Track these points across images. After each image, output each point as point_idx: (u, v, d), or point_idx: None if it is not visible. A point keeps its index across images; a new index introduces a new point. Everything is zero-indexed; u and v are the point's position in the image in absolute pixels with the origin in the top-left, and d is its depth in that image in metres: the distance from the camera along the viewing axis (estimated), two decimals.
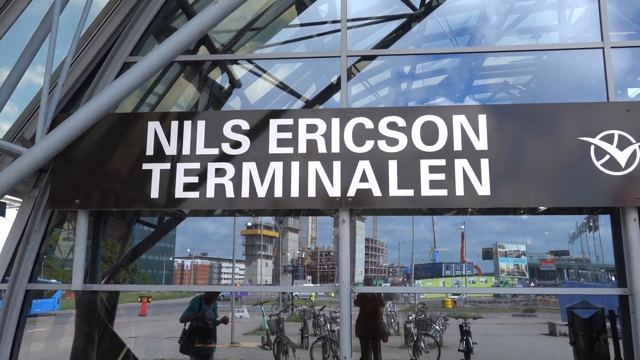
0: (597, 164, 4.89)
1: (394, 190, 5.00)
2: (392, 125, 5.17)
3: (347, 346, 5.02)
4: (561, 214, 6.93)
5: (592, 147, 4.92)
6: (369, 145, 5.12)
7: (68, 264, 6.27)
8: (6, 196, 6.07)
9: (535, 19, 8.33)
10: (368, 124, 5.19)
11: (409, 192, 4.99)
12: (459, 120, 5.15)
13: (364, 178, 5.04)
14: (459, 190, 4.97)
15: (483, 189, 4.95)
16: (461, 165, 5.02)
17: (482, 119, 5.13)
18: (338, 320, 11.59)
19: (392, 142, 5.13)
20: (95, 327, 6.23)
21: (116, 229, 6.98)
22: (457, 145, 5.08)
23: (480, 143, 5.07)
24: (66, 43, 5.19)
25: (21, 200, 6.10)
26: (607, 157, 4.87)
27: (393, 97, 10.39)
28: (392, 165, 5.05)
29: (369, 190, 5.03)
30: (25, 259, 5.60)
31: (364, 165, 5.06)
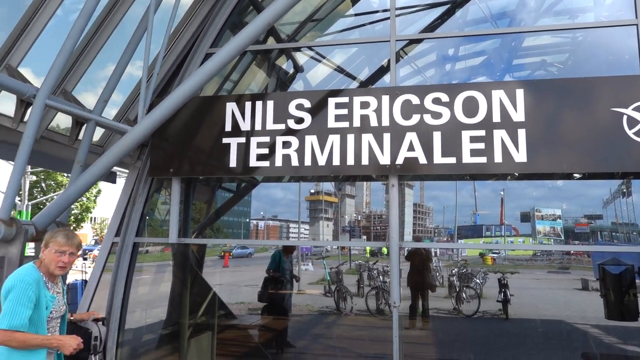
0: (630, 132, 4.59)
1: (438, 158, 4.92)
2: (436, 101, 5.06)
3: (397, 294, 5.07)
4: (595, 179, 6.58)
5: (625, 117, 4.62)
6: (415, 118, 5.04)
7: (165, 224, 6.62)
8: (116, 167, 6.48)
9: (572, 0, 7.79)
10: (415, 100, 5.10)
11: (452, 160, 4.89)
12: (498, 95, 4.96)
13: (411, 148, 4.99)
14: (497, 158, 4.83)
15: (520, 156, 4.78)
16: (499, 135, 4.86)
17: (520, 93, 4.92)
18: (389, 273, 11.68)
19: (437, 115, 5.02)
20: (188, 274, 6.59)
21: (203, 194, 7.29)
22: (496, 118, 4.90)
23: (518, 115, 4.87)
24: (159, 40, 5.39)
25: (128, 170, 6.49)
26: (639, 126, 4.57)
27: (438, 77, 10.09)
28: (436, 136, 4.96)
29: (416, 159, 4.97)
30: (132, 218, 5.99)
31: (411, 137, 5.00)
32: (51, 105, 4.44)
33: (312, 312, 10.10)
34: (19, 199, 21.80)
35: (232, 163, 5.46)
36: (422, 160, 4.94)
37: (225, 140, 5.50)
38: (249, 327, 6.96)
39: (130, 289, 6.01)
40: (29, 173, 23.74)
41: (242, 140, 5.45)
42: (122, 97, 6.22)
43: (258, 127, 5.42)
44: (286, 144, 5.30)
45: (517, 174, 5.42)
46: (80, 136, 5.25)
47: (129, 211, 5.99)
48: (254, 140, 5.41)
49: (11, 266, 4.05)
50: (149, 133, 4.53)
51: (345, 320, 9.42)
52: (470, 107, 4.96)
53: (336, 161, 5.14)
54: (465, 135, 4.91)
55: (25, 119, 4.64)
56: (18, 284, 2.65)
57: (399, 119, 5.06)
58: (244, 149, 5.44)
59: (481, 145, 4.87)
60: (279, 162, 5.30)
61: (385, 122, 5.08)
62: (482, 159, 4.85)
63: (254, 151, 5.39)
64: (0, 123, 4.76)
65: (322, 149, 5.19)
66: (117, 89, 5.47)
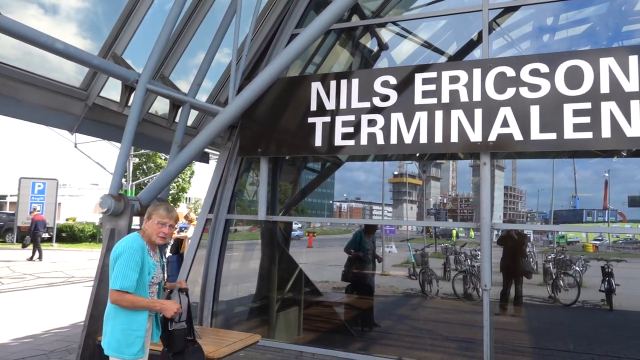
0: None
1: (535, 134, 4.58)
2: (534, 72, 4.69)
3: (488, 276, 4.85)
4: None
5: None
6: (510, 92, 4.72)
7: (254, 204, 6.89)
8: (208, 148, 6.83)
9: None
10: (509, 72, 4.77)
11: (551, 136, 4.52)
12: (607, 63, 4.48)
13: (505, 123, 4.69)
14: (605, 133, 4.38)
15: (632, 130, 4.30)
16: (608, 107, 4.40)
17: (634, 60, 4.40)
18: (478, 257, 11.20)
19: (534, 88, 4.66)
20: (276, 251, 6.82)
21: (288, 174, 7.46)
22: (604, 88, 4.44)
23: (631, 85, 4.37)
24: (247, 23, 5.54)
25: (219, 151, 6.82)
26: None
27: (534, 49, 9.35)
28: (534, 110, 4.61)
29: (510, 135, 4.67)
30: (224, 196, 6.30)
31: (505, 112, 4.69)
32: (151, 89, 4.75)
33: (396, 293, 10.03)
34: (124, 179, 23.95)
35: (317, 142, 5.50)
36: (518, 136, 4.63)
37: (310, 119, 5.55)
38: (334, 304, 7.07)
39: (223, 263, 6.34)
40: (132, 156, 25.92)
41: (327, 119, 5.47)
42: (211, 84, 6.51)
43: (343, 105, 5.40)
44: (371, 122, 5.23)
45: (624, 153, 4.91)
46: (177, 119, 5.57)
47: (221, 190, 6.30)
48: (338, 119, 5.40)
49: (120, 237, 4.42)
50: (239, 113, 4.69)
51: (431, 303, 9.23)
52: (574, 78, 4.54)
53: (423, 139, 4.98)
54: (568, 108, 4.51)
55: (129, 103, 5.02)
56: (127, 250, 2.94)
57: (492, 93, 4.77)
58: (329, 128, 5.46)
59: (586, 119, 4.45)
60: (364, 140, 5.25)
61: (477, 97, 4.81)
62: (587, 134, 4.43)
63: (338, 130, 5.39)
64: (108, 107, 5.20)
65: (408, 126, 5.05)
66: (206, 76, 5.72)
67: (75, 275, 13.42)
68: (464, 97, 4.86)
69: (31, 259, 16.65)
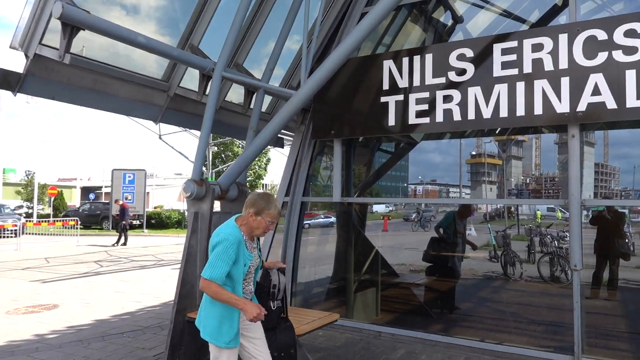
0: None
1: (631, 101, 4.17)
2: (630, 33, 4.26)
3: (578, 255, 4.55)
4: None
5: None
6: (601, 57, 4.33)
7: (328, 189, 6.96)
8: (283, 133, 6.98)
9: None
10: (601, 35, 4.37)
11: None
12: None
13: (595, 91, 4.32)
14: None
15: None
16: None
17: None
18: (565, 239, 10.51)
19: (630, 50, 4.24)
20: (352, 233, 6.85)
21: (362, 156, 7.43)
22: None
23: None
24: (316, 6, 5.54)
25: (293, 134, 6.94)
26: None
27: (629, 10, 8.48)
28: (630, 75, 4.20)
29: (602, 104, 4.30)
30: (299, 179, 6.41)
31: (596, 79, 4.32)
32: (227, 76, 4.92)
33: (476, 276, 9.70)
34: (205, 167, 25.17)
35: (391, 122, 5.42)
36: (611, 104, 4.25)
37: (383, 99, 5.47)
38: (412, 286, 7.00)
39: (300, 244, 6.49)
40: (211, 145, 27.16)
41: (400, 97, 5.36)
42: (282, 70, 6.60)
43: (416, 82, 5.26)
44: (447, 98, 5.05)
45: None
46: (252, 105, 5.73)
47: (296, 173, 6.42)
48: (412, 97, 5.28)
49: (203, 220, 4.69)
50: (311, 95, 4.72)
51: (514, 285, 8.84)
52: None
53: (503, 113, 4.73)
54: None
55: (207, 92, 5.24)
56: (223, 242, 2.99)
57: (581, 60, 4.41)
58: (402, 107, 5.35)
59: None
60: (439, 117, 5.09)
61: (563, 64, 4.47)
62: None
63: (412, 108, 5.27)
64: (188, 97, 5.47)
65: (487, 100, 4.82)
66: (278, 61, 5.80)
67: (164, 258, 14.40)
68: (548, 66, 4.53)
69: (117, 244, 17.96)
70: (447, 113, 5.04)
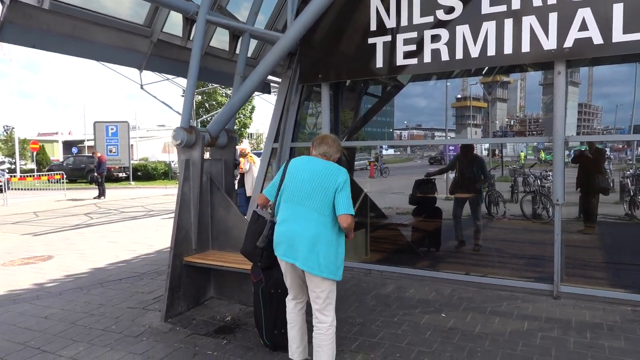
0: None
1: (618, 36, 4.19)
2: None
3: (560, 190, 4.72)
4: None
5: None
6: None
7: (311, 137, 6.97)
8: (269, 78, 6.89)
9: None
10: None
11: (636, 36, 4.13)
12: None
13: (583, 27, 4.32)
14: None
15: None
16: None
17: None
18: (548, 178, 10.79)
19: None
20: None
21: (349, 101, 7.41)
22: None
23: None
24: None
25: (280, 80, 6.86)
26: None
27: None
28: (617, 9, 4.19)
29: (589, 39, 4.31)
30: (287, 124, 6.41)
31: (584, 13, 4.31)
32: (211, 20, 4.79)
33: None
34: None
35: (379, 64, 5.38)
36: (597, 39, 4.27)
37: (370, 40, 5.40)
38: (400, 227, 7.22)
39: None
40: (195, 94, 26.63)
41: (388, 38, 5.30)
42: (265, 16, 6.39)
43: (404, 22, 5.19)
44: (435, 38, 5.01)
45: None
46: (237, 50, 5.62)
47: (284, 119, 6.40)
48: (400, 38, 5.22)
49: (195, 167, 4.73)
50: (298, 37, 4.65)
51: (498, 224, 9.15)
52: None
53: (491, 51, 4.72)
54: None
55: (192, 37, 5.12)
56: (348, 180, 3.13)
57: None
58: (390, 48, 5.30)
59: None
60: (427, 58, 5.07)
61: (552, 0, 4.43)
62: None
63: (400, 49, 5.22)
64: (172, 42, 5.34)
65: (475, 39, 4.79)
66: (262, 4, 5.63)
67: (153, 209, 14.48)
68: (537, 2, 4.49)
69: (98, 197, 17.86)
70: (435, 53, 5.02)
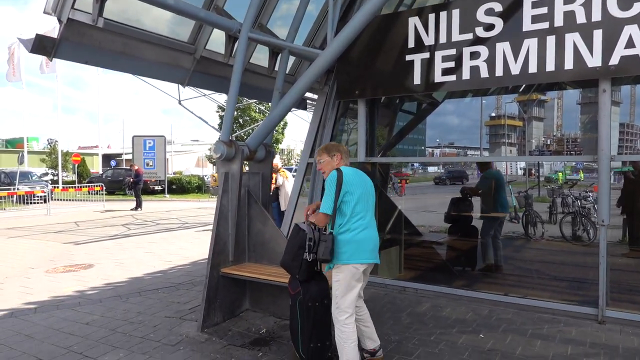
0: None
1: None
2: None
3: (606, 211, 4.57)
4: None
5: None
6: (637, 7, 4.21)
7: (352, 148, 7.00)
8: (306, 95, 6.99)
9: None
10: None
11: None
12: None
13: (629, 44, 4.22)
14: None
15: None
16: None
17: None
18: (589, 199, 10.45)
19: None
20: (375, 192, 6.92)
21: (384, 117, 7.42)
22: None
23: None
24: None
25: (316, 96, 6.95)
26: None
27: None
28: None
29: (635, 57, 4.21)
30: (323, 139, 6.47)
31: (630, 30, 4.22)
32: (253, 37, 4.93)
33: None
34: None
35: (416, 80, 5.39)
36: None
37: (408, 57, 5.43)
38: (435, 245, 7.11)
39: None
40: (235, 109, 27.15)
41: (426, 55, 5.31)
42: (303, 32, 6.50)
43: (442, 39, 5.19)
44: (474, 55, 4.99)
45: None
46: (276, 67, 5.74)
47: (320, 134, 6.47)
48: (438, 55, 5.22)
49: (234, 180, 4.82)
50: (338, 54, 4.72)
51: (536, 245, 8.90)
52: None
53: (532, 68, 4.67)
54: None
55: (233, 53, 5.26)
56: None
57: (615, 11, 4.29)
58: (427, 65, 5.31)
59: None
60: (465, 74, 5.05)
61: (597, 16, 4.37)
62: None
63: (438, 66, 5.22)
64: (214, 59, 5.51)
65: (515, 56, 4.75)
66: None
67: (187, 221, 14.76)
68: (580, 19, 4.43)
69: (135, 209, 18.32)
70: (474, 70, 5.00)
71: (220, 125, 29.29)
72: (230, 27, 4.84)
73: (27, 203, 19.42)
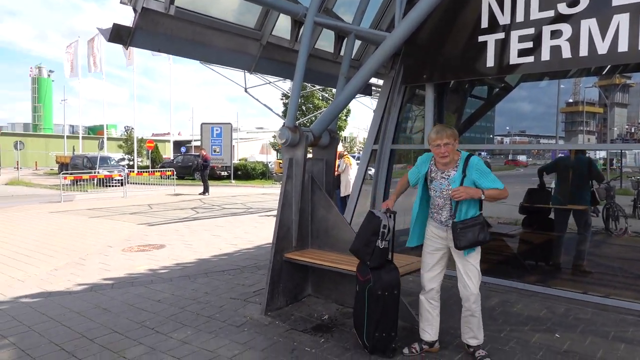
0: None
1: None
2: None
3: None
4: None
5: None
6: None
7: (412, 140, 6.80)
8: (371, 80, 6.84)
9: None
10: None
11: None
12: None
13: None
14: None
15: None
16: None
17: None
18: None
19: None
20: None
21: (452, 103, 7.12)
22: None
23: None
24: None
25: (382, 81, 6.79)
26: None
27: None
28: None
29: None
30: (388, 126, 6.32)
31: None
32: (319, 21, 4.86)
33: (572, 230, 9.17)
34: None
35: (489, 62, 5.10)
36: None
37: (481, 38, 5.14)
38: (506, 238, 6.77)
39: (389, 193, 6.44)
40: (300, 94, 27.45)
41: (501, 35, 4.99)
42: (367, 17, 6.34)
43: (520, 18, 4.85)
44: (555, 34, 4.62)
45: None
46: (342, 51, 5.66)
47: (385, 120, 6.32)
48: (514, 34, 4.90)
49: (298, 166, 4.81)
50: (406, 36, 4.55)
51: (618, 240, 8.23)
52: None
53: (623, 47, 4.24)
54: None
55: (299, 39, 5.24)
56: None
57: None
58: (502, 46, 4.99)
59: None
60: (545, 55, 4.70)
61: None
62: None
63: (514, 46, 4.90)
64: (280, 45, 5.51)
65: (603, 34, 4.34)
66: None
67: (252, 206, 15.15)
68: None
69: (203, 193, 18.98)
70: (555, 50, 4.63)
71: (284, 112, 29.70)
72: (296, 11, 4.80)
73: (106, 186, 20.80)
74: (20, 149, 30.63)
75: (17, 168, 34.16)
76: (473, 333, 3.52)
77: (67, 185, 19.24)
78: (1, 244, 8.62)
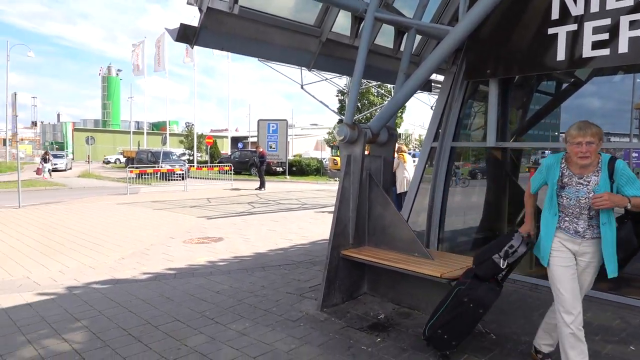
0: None
1: None
2: None
3: None
4: None
5: None
6: None
7: (473, 137, 6.57)
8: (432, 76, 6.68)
9: None
10: None
11: None
12: None
13: None
14: None
15: None
16: None
17: None
18: None
19: None
20: (505, 182, 6.44)
21: (516, 99, 6.82)
22: None
23: None
24: None
25: (441, 77, 6.62)
26: None
27: None
28: None
29: None
30: (449, 123, 6.14)
31: None
32: (379, 17, 4.81)
33: None
34: (341, 117, 25.61)
35: (559, 56, 4.83)
36: None
37: (550, 30, 4.87)
38: None
39: (448, 191, 6.27)
40: (347, 93, 27.45)
41: (573, 27, 4.71)
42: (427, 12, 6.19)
43: (594, 8, 4.56)
44: (634, 24, 4.30)
45: None
46: (401, 47, 5.57)
47: (446, 116, 6.15)
48: (588, 26, 4.60)
49: (356, 163, 4.79)
50: (470, 30, 4.41)
51: None
52: None
53: None
54: None
55: (358, 35, 5.21)
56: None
57: None
58: (574, 38, 4.71)
59: None
60: (622, 47, 4.38)
61: None
62: None
63: (587, 38, 4.61)
64: (339, 41, 5.50)
65: None
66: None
67: (307, 202, 15.29)
68: None
69: (259, 188, 19.31)
70: (634, 42, 4.31)
71: (339, 109, 29.73)
72: (356, 7, 4.78)
73: (168, 180, 21.72)
74: (91, 144, 32.67)
75: (88, 161, 36.45)
76: (552, 341, 3.44)
77: (132, 178, 20.28)
78: (74, 232, 9.23)
